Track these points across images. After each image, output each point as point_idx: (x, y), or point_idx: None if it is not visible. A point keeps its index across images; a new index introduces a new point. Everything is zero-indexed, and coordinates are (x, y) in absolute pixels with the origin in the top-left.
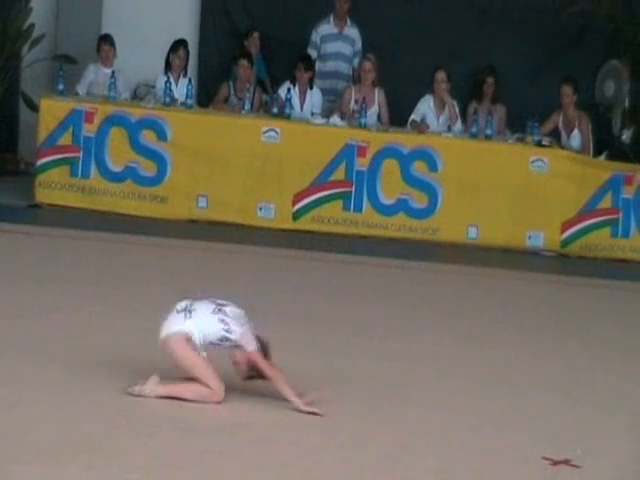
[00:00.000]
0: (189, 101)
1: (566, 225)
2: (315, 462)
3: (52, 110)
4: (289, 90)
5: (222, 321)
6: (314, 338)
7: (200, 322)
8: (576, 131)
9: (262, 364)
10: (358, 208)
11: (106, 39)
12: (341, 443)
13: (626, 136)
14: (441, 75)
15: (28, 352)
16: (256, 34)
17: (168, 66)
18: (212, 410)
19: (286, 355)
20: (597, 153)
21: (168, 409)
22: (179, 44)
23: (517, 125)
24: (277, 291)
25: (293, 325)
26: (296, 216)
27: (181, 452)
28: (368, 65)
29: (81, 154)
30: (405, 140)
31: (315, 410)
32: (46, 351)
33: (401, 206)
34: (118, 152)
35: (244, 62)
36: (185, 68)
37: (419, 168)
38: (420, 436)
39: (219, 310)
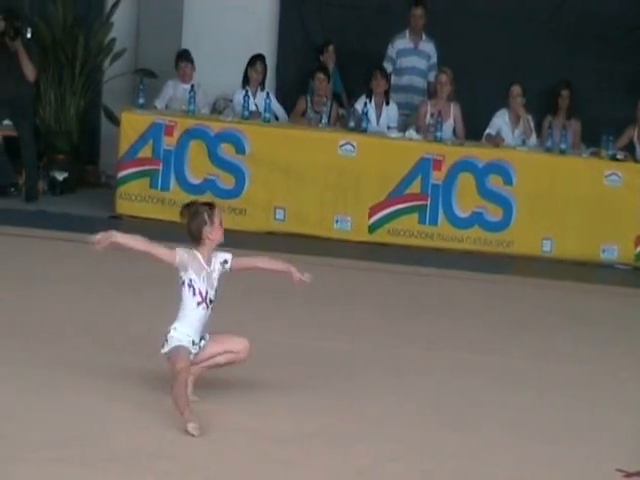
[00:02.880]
0: (267, 115)
1: None
2: (391, 473)
3: (133, 123)
4: (365, 104)
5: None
6: (389, 352)
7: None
8: None
9: (244, 260)
10: (433, 221)
11: (183, 56)
12: (415, 453)
13: None
14: (516, 89)
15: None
16: (332, 48)
17: (246, 80)
18: (283, 419)
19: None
20: None
21: (239, 416)
22: (257, 58)
23: (592, 139)
24: (353, 302)
25: (369, 337)
26: (372, 229)
27: (257, 461)
28: (444, 78)
29: (161, 167)
30: (480, 154)
31: (305, 278)
32: (120, 361)
33: (476, 219)
34: (197, 165)
35: (321, 76)
36: (263, 82)
37: (494, 181)
38: (492, 448)
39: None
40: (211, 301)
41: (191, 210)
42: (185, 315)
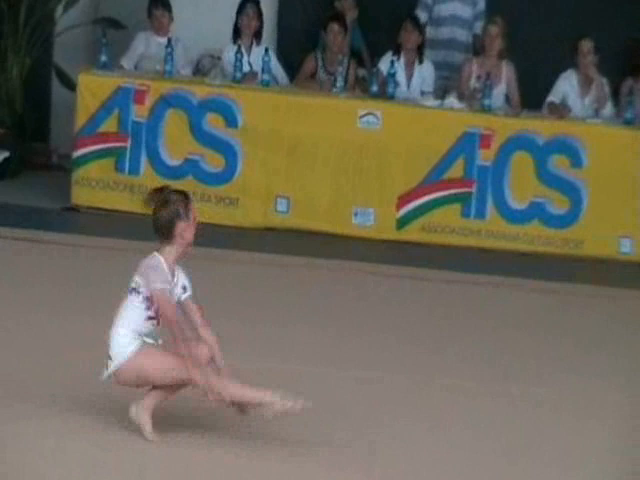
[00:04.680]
0: (265, 77)
1: None
2: None
3: (93, 88)
4: (392, 63)
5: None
6: (419, 387)
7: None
8: None
9: (194, 313)
10: (480, 214)
11: (158, 2)
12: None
13: None
14: (587, 46)
15: None
16: None
17: (237, 33)
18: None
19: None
20: None
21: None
22: (248, 2)
23: None
24: (376, 319)
25: (395, 366)
26: (401, 224)
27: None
28: (494, 30)
29: (129, 144)
30: (541, 127)
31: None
32: None
33: (535, 212)
34: (176, 141)
35: (335, 27)
36: (259, 35)
37: (558, 163)
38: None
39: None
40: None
41: (162, 197)
42: (131, 322)
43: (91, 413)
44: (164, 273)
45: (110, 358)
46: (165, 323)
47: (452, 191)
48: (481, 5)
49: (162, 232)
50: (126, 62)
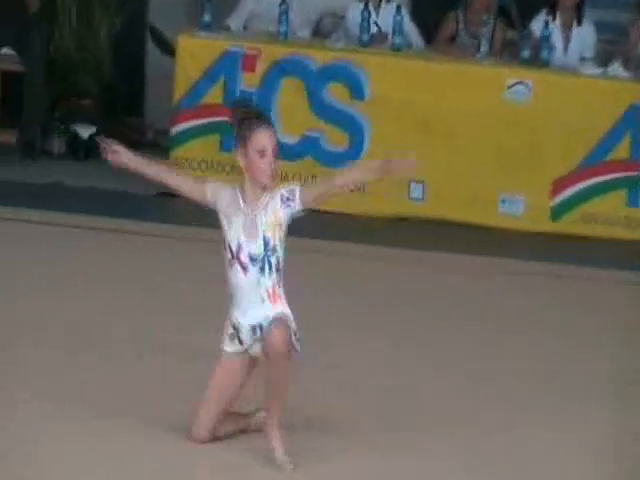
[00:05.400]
0: (397, 39)
1: None
2: None
3: (194, 52)
4: (547, 24)
5: None
6: None
7: None
8: None
9: (317, 186)
10: None
11: None
12: None
13: None
14: None
15: None
16: None
17: None
18: None
19: None
20: None
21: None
22: None
23: None
24: (528, 329)
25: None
26: (556, 213)
27: None
28: None
29: None
30: None
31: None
32: None
33: None
34: (291, 115)
35: None
36: None
37: None
38: None
39: None
40: (253, 260)
41: (236, 115)
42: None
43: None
44: (234, 202)
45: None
46: None
47: (616, 175)
48: None
49: None
50: (233, 22)
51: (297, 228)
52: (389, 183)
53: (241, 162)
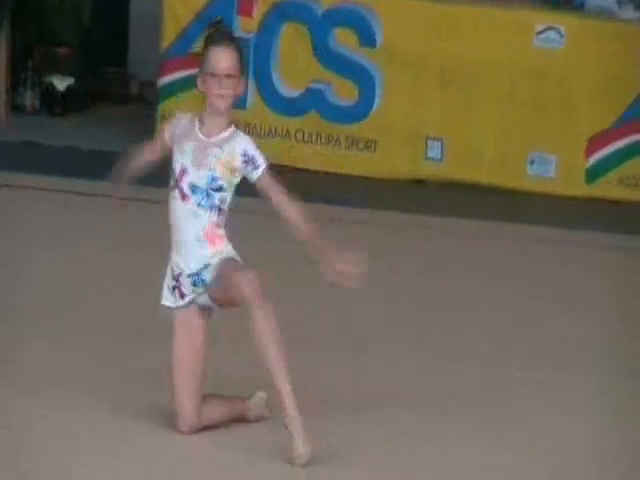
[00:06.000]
0: None
1: None
2: None
3: None
4: None
5: None
6: None
7: None
8: None
9: (270, 189)
10: None
11: None
12: None
13: None
14: None
15: None
16: None
17: None
18: None
19: None
20: None
21: None
22: None
23: None
24: (565, 309)
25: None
26: (592, 175)
27: None
28: None
29: None
30: None
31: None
32: None
33: None
34: (294, 65)
35: None
36: None
37: None
38: None
39: None
40: (194, 190)
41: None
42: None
43: None
44: (191, 129)
45: None
46: None
47: None
48: None
49: None
50: None
51: (296, 189)
52: (402, 140)
53: (200, 87)
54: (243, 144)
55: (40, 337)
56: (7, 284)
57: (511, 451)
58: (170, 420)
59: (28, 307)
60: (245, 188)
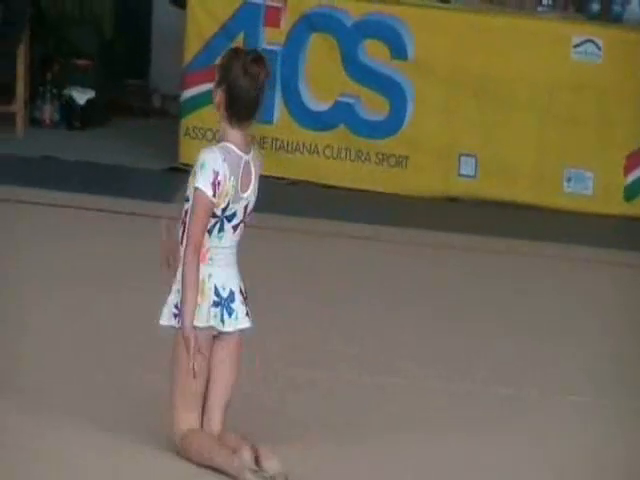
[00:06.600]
0: None
1: None
2: None
3: (209, 4)
4: None
5: None
6: None
7: None
8: None
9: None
10: None
11: None
12: None
13: None
14: None
15: None
16: None
17: None
18: None
19: None
20: None
21: None
22: None
23: None
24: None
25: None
26: (630, 193)
27: None
28: None
29: None
30: None
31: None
32: None
33: None
34: (322, 78)
35: None
36: None
37: None
38: None
39: None
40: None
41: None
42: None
43: None
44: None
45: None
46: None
47: None
48: None
49: None
50: None
51: (325, 207)
52: (434, 156)
53: (217, 97)
54: (258, 159)
55: (40, 356)
56: (22, 299)
57: (511, 451)
58: (170, 441)
59: (32, 323)
60: None
